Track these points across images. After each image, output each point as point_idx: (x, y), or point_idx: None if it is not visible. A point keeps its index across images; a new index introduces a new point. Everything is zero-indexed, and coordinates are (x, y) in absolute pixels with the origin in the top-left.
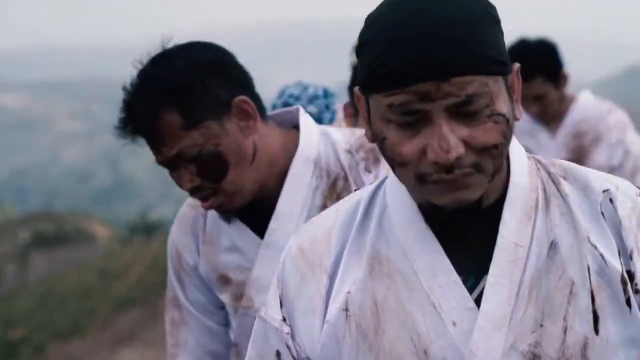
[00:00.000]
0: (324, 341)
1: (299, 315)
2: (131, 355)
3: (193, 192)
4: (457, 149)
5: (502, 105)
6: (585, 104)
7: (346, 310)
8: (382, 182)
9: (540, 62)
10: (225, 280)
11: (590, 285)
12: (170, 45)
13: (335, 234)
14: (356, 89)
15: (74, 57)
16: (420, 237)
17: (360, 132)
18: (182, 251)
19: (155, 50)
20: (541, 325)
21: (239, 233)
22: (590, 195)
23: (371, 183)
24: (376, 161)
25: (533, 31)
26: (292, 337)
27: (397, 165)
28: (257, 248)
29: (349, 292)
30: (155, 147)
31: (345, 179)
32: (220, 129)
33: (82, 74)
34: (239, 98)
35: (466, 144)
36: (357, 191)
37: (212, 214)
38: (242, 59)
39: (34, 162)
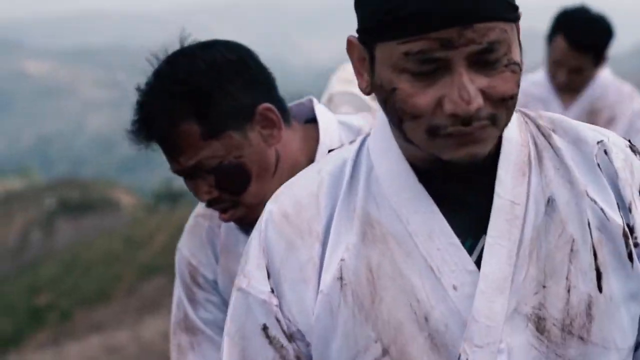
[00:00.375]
0: (317, 312)
1: (288, 285)
2: (155, 322)
3: (211, 204)
4: (478, 100)
5: (517, 53)
6: (605, 81)
7: (341, 278)
8: (364, 140)
9: (599, 40)
10: None
11: (592, 241)
12: (189, 40)
13: (323, 197)
14: (351, 36)
15: (100, 24)
16: (414, 197)
17: (379, 113)
18: (198, 266)
19: (172, 45)
20: (544, 286)
21: None
22: (584, 148)
23: None
24: None
25: None
26: (281, 309)
27: (408, 118)
28: None
29: (342, 260)
30: (171, 157)
31: None
32: (243, 138)
33: (107, 41)
34: (264, 106)
35: (484, 94)
36: (337, 150)
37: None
38: (266, 31)
39: (59, 130)
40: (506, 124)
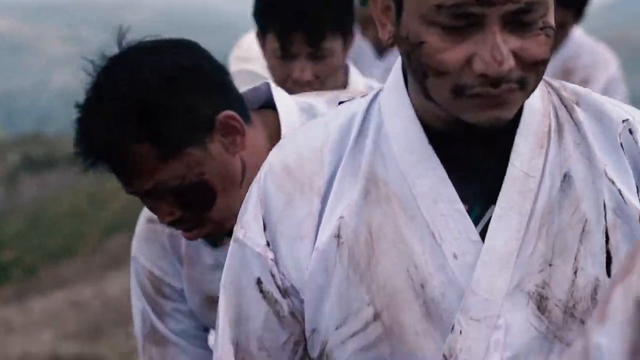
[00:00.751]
0: (312, 269)
1: (284, 240)
2: (119, 279)
3: (174, 225)
4: (509, 61)
5: (552, 16)
6: (579, 40)
7: (338, 236)
8: (376, 94)
9: None
10: (214, 301)
11: (606, 223)
12: (128, 39)
13: (327, 152)
14: None
15: None
16: (422, 159)
17: (343, 94)
18: (163, 276)
19: (110, 45)
20: (550, 265)
21: (226, 248)
22: (608, 125)
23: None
24: None
25: None
26: (276, 263)
27: (434, 74)
28: None
29: (341, 217)
30: (124, 180)
31: None
32: (204, 154)
33: None
34: (224, 114)
35: (515, 56)
36: (347, 103)
37: None
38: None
39: (23, 86)
40: (533, 90)
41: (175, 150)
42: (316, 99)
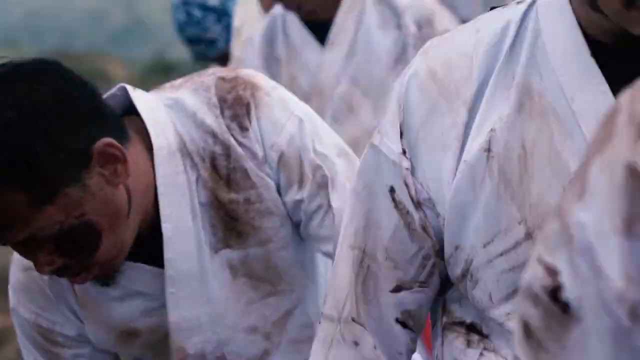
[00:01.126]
0: (457, 184)
1: (425, 149)
2: None
3: (57, 273)
4: None
5: None
6: None
7: (488, 150)
8: (533, 2)
9: None
10: (130, 334)
11: None
12: None
13: (478, 60)
14: None
15: None
16: (584, 72)
17: (212, 80)
18: (53, 327)
19: None
20: None
21: (130, 274)
22: None
23: (257, 139)
24: (247, 111)
25: None
26: (413, 173)
27: None
28: (161, 282)
29: (492, 130)
30: None
31: (227, 154)
32: (83, 192)
33: None
34: (101, 142)
35: None
36: (500, 9)
37: None
38: None
39: (48, 3)
40: None
41: (50, 194)
42: (181, 92)
